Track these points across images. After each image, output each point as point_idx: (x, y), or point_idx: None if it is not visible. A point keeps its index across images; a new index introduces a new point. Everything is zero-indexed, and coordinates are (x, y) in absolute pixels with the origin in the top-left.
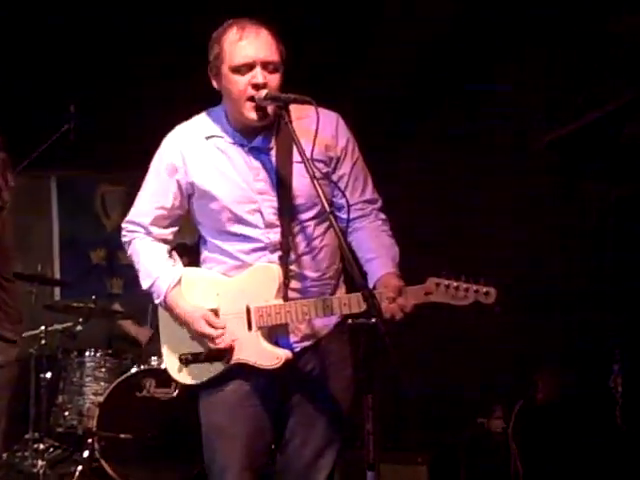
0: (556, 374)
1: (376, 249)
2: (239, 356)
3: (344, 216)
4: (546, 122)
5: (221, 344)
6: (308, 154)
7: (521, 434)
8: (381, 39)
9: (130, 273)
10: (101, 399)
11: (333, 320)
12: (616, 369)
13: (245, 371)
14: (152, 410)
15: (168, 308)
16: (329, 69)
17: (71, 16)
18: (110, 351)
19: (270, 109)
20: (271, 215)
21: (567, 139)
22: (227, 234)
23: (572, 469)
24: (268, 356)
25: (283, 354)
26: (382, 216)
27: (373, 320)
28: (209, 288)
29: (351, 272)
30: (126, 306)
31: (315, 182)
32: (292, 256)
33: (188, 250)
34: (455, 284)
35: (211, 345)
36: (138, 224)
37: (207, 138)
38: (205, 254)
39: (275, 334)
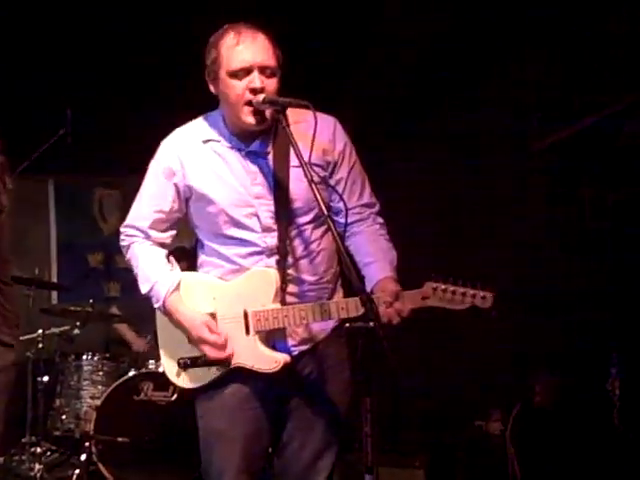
0: (554, 377)
1: (374, 253)
2: (237, 360)
3: (342, 220)
4: (546, 122)
5: (222, 353)
6: (306, 158)
7: (519, 437)
8: (381, 39)
9: (127, 277)
10: (98, 402)
11: (330, 324)
12: (614, 372)
13: (243, 374)
14: (149, 414)
15: (167, 313)
16: (329, 69)
17: (71, 16)
18: (107, 355)
19: (268, 113)
20: (268, 219)
21: (567, 142)
22: (224, 238)
23: (570, 472)
24: (266, 360)
25: (281, 358)
26: (380, 220)
27: (371, 324)
28: (206, 292)
29: (349, 276)
30: (123, 310)
31: (313, 186)
32: (289, 260)
33: (187, 254)
34: (452, 288)
35: (211, 352)
36: (137, 228)
37: (204, 142)
38: (202, 258)
39: (272, 338)
